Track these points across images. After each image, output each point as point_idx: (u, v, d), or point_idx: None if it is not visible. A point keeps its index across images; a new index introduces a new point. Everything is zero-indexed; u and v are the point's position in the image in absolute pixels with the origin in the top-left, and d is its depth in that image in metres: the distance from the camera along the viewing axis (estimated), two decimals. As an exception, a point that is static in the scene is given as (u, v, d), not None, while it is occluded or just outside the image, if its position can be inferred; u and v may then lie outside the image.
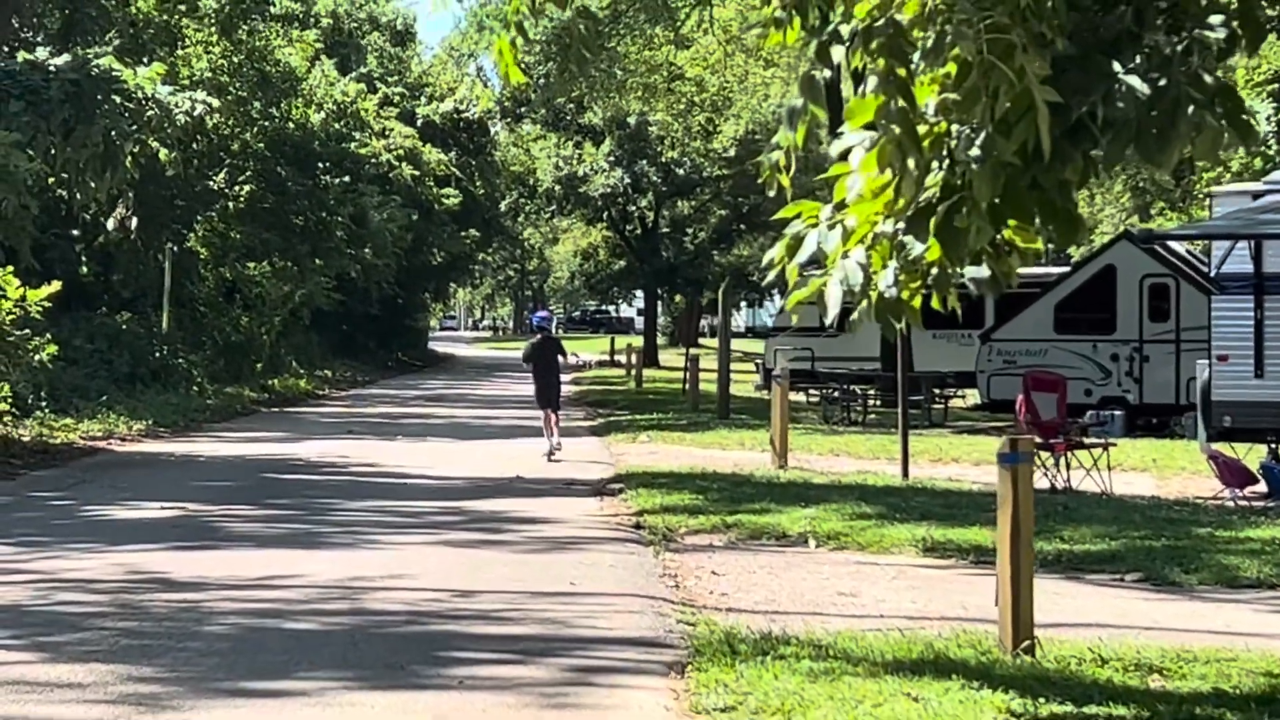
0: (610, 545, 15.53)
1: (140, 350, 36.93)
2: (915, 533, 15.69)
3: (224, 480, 21.74)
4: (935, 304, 7.43)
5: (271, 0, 46.92)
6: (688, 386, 41.32)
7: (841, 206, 7.33)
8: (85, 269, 39.77)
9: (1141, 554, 14.60)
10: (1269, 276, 21.27)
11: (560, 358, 27.50)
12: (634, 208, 79.31)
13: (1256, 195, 22.31)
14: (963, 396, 40.38)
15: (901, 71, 6.66)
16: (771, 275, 7.63)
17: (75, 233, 35.92)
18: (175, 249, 41.51)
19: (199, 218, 46.89)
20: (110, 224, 31.24)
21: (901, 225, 7.18)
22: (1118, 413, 32.29)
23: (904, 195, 6.72)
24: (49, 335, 27.45)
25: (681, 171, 75.80)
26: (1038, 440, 20.44)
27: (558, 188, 77.55)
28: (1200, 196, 56.68)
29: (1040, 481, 20.06)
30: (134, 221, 30.87)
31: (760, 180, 7.36)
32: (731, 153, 71.69)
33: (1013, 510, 9.91)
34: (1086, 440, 21.08)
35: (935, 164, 7.07)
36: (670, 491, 19.33)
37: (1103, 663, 9.84)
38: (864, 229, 7.27)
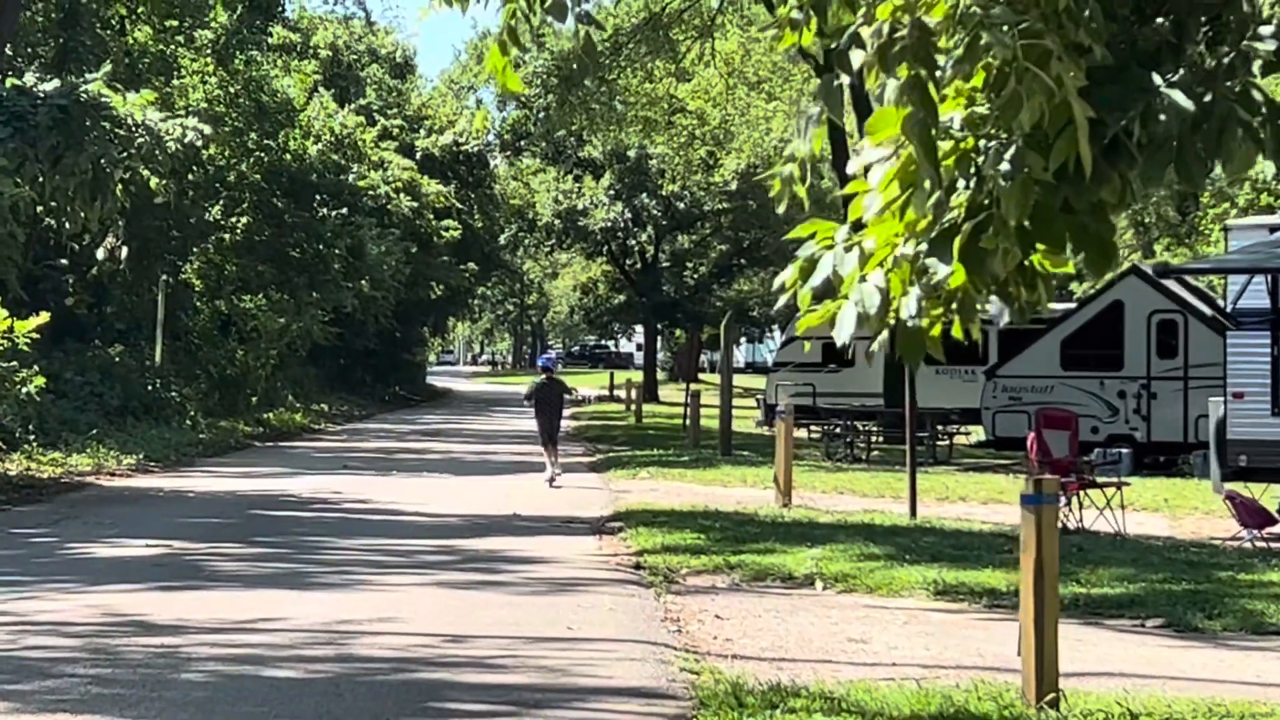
0: (610, 587, 14.94)
1: (132, 383, 36.43)
2: (926, 575, 15.13)
3: (213, 517, 21.17)
4: (956, 332, 6.87)
5: (269, 31, 46.49)
6: (689, 422, 40.74)
7: (859, 227, 6.78)
8: (77, 300, 39.29)
9: (1162, 598, 14.04)
10: (1287, 311, 20.71)
11: (566, 395, 29.49)
12: (634, 242, 78.85)
13: (1274, 228, 21.76)
14: (966, 433, 39.82)
15: (925, 75, 6.12)
16: (782, 300, 7.06)
17: (64, 262, 35.36)
18: (170, 281, 41.02)
19: (194, 249, 46.42)
20: (100, 253, 30.61)
21: (924, 247, 6.62)
22: (1125, 451, 31.69)
23: (921, 214, 6.17)
24: (38, 367, 26.97)
25: (682, 205, 75.37)
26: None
27: (557, 221, 77.17)
28: (1204, 232, 56.30)
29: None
30: (124, 251, 30.26)
31: (771, 195, 6.79)
32: (733, 186, 71.28)
33: (1036, 554, 9.34)
34: (1099, 479, 20.46)
35: (961, 183, 6.54)
36: (671, 530, 18.76)
37: (1132, 718, 9.27)
38: (883, 251, 6.73)
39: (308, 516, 21.59)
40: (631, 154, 72.17)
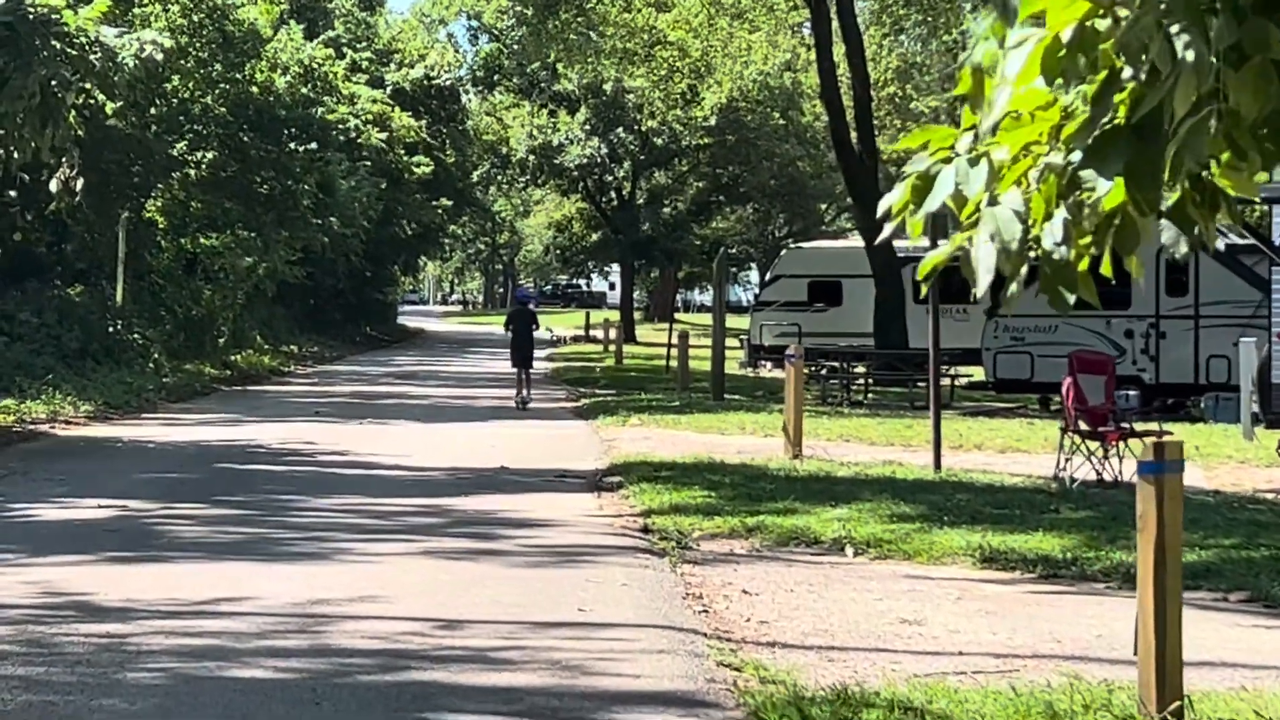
0: (619, 556, 13.28)
1: (92, 325, 34.70)
2: (969, 540, 13.54)
3: (173, 471, 19.50)
4: (1105, 269, 5.18)
5: (234, -44, 44.47)
6: (675, 364, 39.09)
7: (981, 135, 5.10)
8: (35, 237, 37.53)
9: (1241, 567, 12.47)
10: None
11: (534, 325, 33.44)
12: (611, 178, 77.02)
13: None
14: (960, 376, 38.27)
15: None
16: (889, 229, 5.38)
17: (14, 194, 33.49)
18: (132, 218, 39.24)
19: (158, 185, 44.54)
20: (53, 185, 28.70)
21: (1077, 156, 4.94)
22: (1133, 393, 30.17)
23: (1180, 105, 4.45)
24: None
25: (660, 141, 73.58)
26: (1085, 428, 18.34)
27: (532, 158, 75.33)
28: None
29: (1086, 473, 17.99)
30: (80, 183, 28.38)
31: (952, 95, 5.12)
32: (712, 121, 69.53)
33: (1158, 535, 7.75)
34: (1139, 429, 18.79)
35: (1127, 71, 4.85)
36: (677, 487, 17.12)
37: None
38: (1021, 166, 5.06)
39: (278, 470, 19.95)
40: (608, 88, 70.30)
